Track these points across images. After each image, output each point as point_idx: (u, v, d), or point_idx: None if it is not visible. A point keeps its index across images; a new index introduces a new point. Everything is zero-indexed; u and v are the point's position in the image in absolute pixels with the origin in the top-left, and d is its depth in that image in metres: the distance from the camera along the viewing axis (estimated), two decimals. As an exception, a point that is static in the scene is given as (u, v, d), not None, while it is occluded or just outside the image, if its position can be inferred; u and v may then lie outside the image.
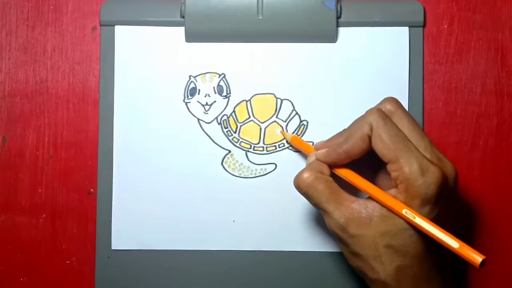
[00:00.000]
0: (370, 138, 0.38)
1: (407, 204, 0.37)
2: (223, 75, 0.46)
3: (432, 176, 0.36)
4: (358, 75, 0.46)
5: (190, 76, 0.46)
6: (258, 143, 0.46)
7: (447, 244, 0.36)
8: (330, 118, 0.46)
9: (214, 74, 0.46)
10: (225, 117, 0.46)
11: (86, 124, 0.47)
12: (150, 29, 0.46)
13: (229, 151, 0.46)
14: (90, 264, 0.46)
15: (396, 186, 0.38)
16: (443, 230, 0.36)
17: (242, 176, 0.46)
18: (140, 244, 0.46)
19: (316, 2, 0.45)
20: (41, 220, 0.47)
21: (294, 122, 0.46)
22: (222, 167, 0.46)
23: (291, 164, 0.46)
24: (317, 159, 0.41)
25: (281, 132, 0.46)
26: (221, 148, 0.46)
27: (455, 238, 0.36)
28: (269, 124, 0.46)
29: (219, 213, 0.46)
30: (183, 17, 0.46)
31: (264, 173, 0.46)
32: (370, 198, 0.39)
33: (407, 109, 0.45)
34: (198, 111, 0.46)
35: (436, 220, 0.37)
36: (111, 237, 0.46)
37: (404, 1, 0.47)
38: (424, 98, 0.46)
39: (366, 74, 0.46)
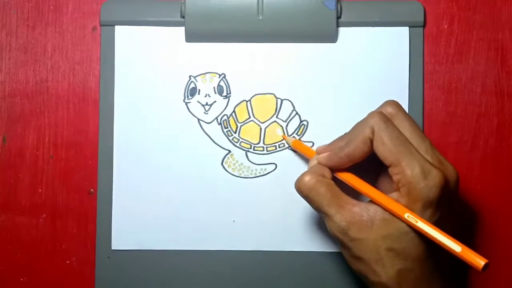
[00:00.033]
0: (371, 141, 0.38)
1: (409, 208, 0.37)
2: (223, 75, 0.46)
3: (434, 179, 0.36)
4: (358, 75, 0.46)
5: (190, 76, 0.46)
6: (258, 143, 0.46)
7: (450, 248, 0.35)
8: (330, 118, 0.46)
9: (214, 74, 0.46)
10: (225, 117, 0.46)
11: (86, 124, 0.47)
12: (150, 29, 0.46)
13: (229, 151, 0.46)
14: (90, 264, 0.46)
15: (398, 190, 0.38)
16: (446, 234, 0.36)
17: (242, 176, 0.46)
18: (140, 244, 0.46)
19: (316, 2, 0.45)
20: (41, 220, 0.47)
21: (294, 122, 0.46)
22: (222, 167, 0.46)
23: (291, 164, 0.46)
24: (319, 163, 0.41)
25: (282, 136, 0.46)
26: (221, 148, 0.46)
27: (458, 242, 0.36)
28: (269, 124, 0.46)
29: (219, 213, 0.46)
30: (183, 17, 0.46)
31: (264, 173, 0.46)
32: (372, 201, 0.38)
33: (407, 109, 0.46)
34: (198, 111, 0.46)
35: (438, 222, 0.37)
36: (111, 237, 0.46)
37: (404, 1, 0.47)
38: (424, 98, 0.46)
39: (366, 74, 0.46)
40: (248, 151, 0.46)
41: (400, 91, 0.46)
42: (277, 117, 0.46)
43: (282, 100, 0.46)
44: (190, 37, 0.46)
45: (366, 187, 0.39)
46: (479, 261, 0.35)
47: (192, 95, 0.46)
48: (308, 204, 0.40)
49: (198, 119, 0.46)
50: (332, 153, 0.40)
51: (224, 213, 0.46)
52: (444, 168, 0.38)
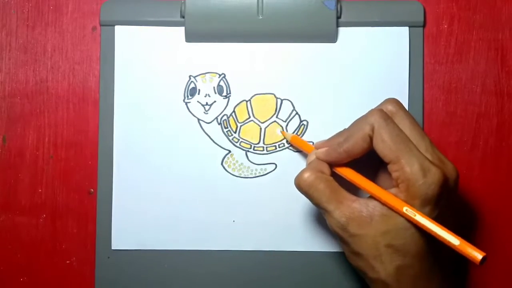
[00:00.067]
0: (371, 138, 0.38)
1: (408, 204, 0.37)
2: (223, 75, 0.46)
3: (433, 176, 0.36)
4: (358, 75, 0.46)
5: (190, 76, 0.46)
6: (258, 143, 0.46)
7: (448, 241, 0.36)
8: (330, 118, 0.46)
9: (214, 74, 0.46)
10: (225, 117, 0.46)
11: (86, 124, 0.47)
12: (150, 29, 0.46)
13: (229, 151, 0.46)
14: (90, 264, 0.46)
15: (397, 186, 0.38)
16: (444, 228, 0.36)
17: (242, 176, 0.46)
18: (140, 244, 0.46)
19: (316, 2, 0.45)
20: (41, 220, 0.47)
21: (294, 122, 0.46)
22: (222, 167, 0.46)
23: (291, 164, 0.46)
24: (318, 158, 0.41)
25: (281, 131, 0.46)
26: (221, 148, 0.46)
27: (456, 235, 0.36)
28: (269, 124, 0.46)
29: (219, 213, 0.46)
30: (183, 17, 0.46)
31: (264, 173, 0.46)
32: (371, 197, 0.39)
33: (407, 109, 0.45)
34: (198, 111, 0.46)
35: (437, 220, 0.37)
36: (111, 237, 0.46)
37: (404, 1, 0.47)
38: (424, 98, 0.46)
39: (366, 74, 0.46)
40: (248, 151, 0.46)
41: (400, 91, 0.46)
42: (277, 117, 0.46)
43: (282, 100, 0.46)
44: (190, 37, 0.46)
45: (364, 182, 0.39)
46: (477, 255, 0.35)
47: (192, 95, 0.46)
48: (308, 201, 0.40)
49: (198, 119, 0.46)
50: (331, 148, 0.40)
51: (224, 213, 0.46)
52: (443, 166, 0.38)
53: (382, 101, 0.41)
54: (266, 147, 0.46)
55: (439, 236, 0.36)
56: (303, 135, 0.46)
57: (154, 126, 0.46)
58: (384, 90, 0.46)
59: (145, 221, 0.46)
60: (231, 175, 0.46)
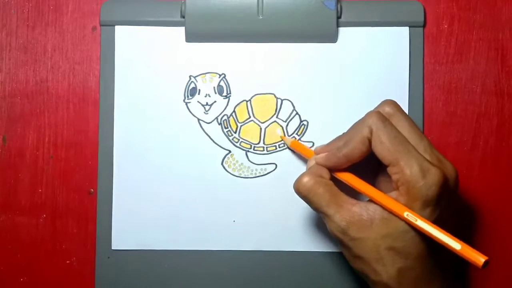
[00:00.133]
0: (370, 141, 0.38)
1: (408, 206, 0.37)
2: (223, 75, 0.46)
3: (433, 177, 0.36)
4: (358, 75, 0.46)
5: (190, 76, 0.46)
6: (258, 143, 0.46)
7: (450, 246, 0.35)
8: (330, 118, 0.46)
9: (214, 74, 0.46)
10: (225, 117, 0.46)
11: (86, 124, 0.47)
12: (150, 29, 0.46)
13: (229, 151, 0.46)
14: (90, 264, 0.46)
15: (397, 189, 0.38)
16: (445, 232, 0.36)
17: (242, 176, 0.46)
18: (140, 244, 0.46)
19: (316, 2, 0.45)
20: (41, 220, 0.47)
21: (294, 122, 0.46)
22: (222, 167, 0.46)
23: (291, 164, 0.46)
24: (317, 164, 0.41)
25: (281, 136, 0.46)
26: (221, 148, 0.46)
27: (457, 239, 0.36)
28: (269, 124, 0.46)
29: (219, 213, 0.46)
30: (183, 17, 0.46)
31: (264, 173, 0.46)
32: (371, 201, 0.38)
33: (407, 109, 0.46)
34: (198, 111, 0.46)
35: (437, 221, 0.37)
36: (111, 237, 0.46)
37: (404, 1, 0.47)
38: (424, 98, 0.46)
39: (366, 74, 0.46)
40: (248, 151, 0.46)
41: (400, 91, 0.46)
42: (277, 117, 0.46)
43: (282, 100, 0.46)
44: (190, 37, 0.46)
45: (365, 187, 0.39)
46: (479, 258, 0.35)
47: (192, 95, 0.46)
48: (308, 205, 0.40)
49: (198, 119, 0.46)
50: (330, 153, 0.40)
51: (224, 213, 0.46)
52: (443, 167, 0.38)
53: (381, 101, 0.41)
54: (266, 147, 0.46)
55: (440, 240, 0.36)
56: (303, 135, 0.46)
57: (154, 126, 0.46)
58: (384, 90, 0.46)
59: (145, 221, 0.46)
60: (231, 175, 0.46)
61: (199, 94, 0.46)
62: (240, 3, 0.45)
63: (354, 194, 0.40)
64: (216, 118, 0.46)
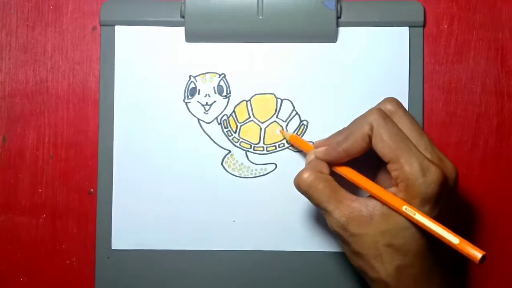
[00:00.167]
0: (370, 137, 0.38)
1: (407, 203, 0.37)
2: (223, 75, 0.46)
3: (433, 176, 0.36)
4: (358, 75, 0.46)
5: (190, 76, 0.46)
6: (258, 143, 0.46)
7: (447, 240, 0.36)
8: (330, 118, 0.46)
9: (214, 74, 0.46)
10: (225, 117, 0.46)
11: (86, 124, 0.47)
12: (150, 29, 0.46)
13: (229, 151, 0.46)
14: (90, 264, 0.46)
15: (396, 185, 0.38)
16: (443, 227, 0.36)
17: (242, 176, 0.46)
18: (140, 244, 0.46)
19: (316, 2, 0.45)
20: (41, 220, 0.47)
21: (294, 122, 0.46)
22: (222, 167, 0.46)
23: (291, 164, 0.46)
24: (316, 157, 0.41)
25: (280, 131, 0.46)
26: (221, 148, 0.46)
27: (455, 234, 0.36)
28: (269, 124, 0.46)
29: (219, 213, 0.46)
30: (183, 17, 0.46)
31: (264, 173, 0.46)
32: (371, 196, 0.39)
33: (407, 109, 0.45)
34: (198, 111, 0.46)
35: (436, 219, 0.37)
36: (111, 237, 0.46)
37: (404, 1, 0.47)
38: (424, 98, 0.46)
39: (366, 74, 0.46)
40: (248, 151, 0.46)
41: (400, 91, 0.46)
42: (277, 117, 0.46)
43: (282, 100, 0.46)
44: (190, 37, 0.46)
45: (364, 181, 0.39)
46: (476, 253, 0.35)
47: (192, 95, 0.46)
48: (308, 201, 0.40)
49: (198, 119, 0.46)
50: (330, 147, 0.40)
51: (224, 213, 0.46)
52: (443, 165, 0.38)
53: (383, 99, 0.41)
54: (266, 147, 0.46)
55: (438, 235, 0.36)
56: (303, 135, 0.46)
57: (154, 126, 0.46)
58: (384, 90, 0.46)
59: (145, 221, 0.46)
60: (231, 175, 0.46)
61: (199, 94, 0.46)
62: (240, 3, 0.45)
63: (353, 189, 0.40)
64: (216, 118, 0.46)
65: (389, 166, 0.38)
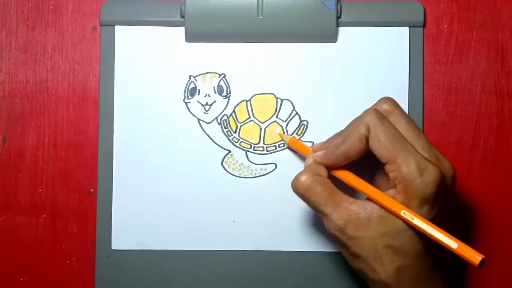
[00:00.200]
0: (367, 139, 0.38)
1: (406, 204, 0.37)
2: (223, 75, 0.46)
3: (431, 175, 0.36)
4: (358, 75, 0.46)
5: (190, 76, 0.46)
6: (258, 143, 0.46)
7: (446, 244, 0.36)
8: (330, 118, 0.46)
9: (214, 74, 0.46)
10: (225, 117, 0.46)
11: (86, 124, 0.47)
12: (150, 29, 0.46)
13: (229, 151, 0.46)
14: (90, 264, 0.46)
15: (394, 187, 0.38)
16: (442, 231, 0.36)
17: (242, 176, 0.46)
18: (140, 244, 0.46)
19: (316, 2, 0.45)
20: (41, 220, 0.47)
21: (294, 122, 0.46)
22: (222, 167, 0.46)
23: (291, 164, 0.46)
24: (315, 161, 0.41)
25: (279, 134, 0.46)
26: (221, 148, 0.46)
27: (454, 238, 0.36)
28: (269, 124, 0.46)
29: (219, 213, 0.46)
30: (183, 17, 0.46)
31: (264, 173, 0.46)
32: (369, 199, 0.38)
33: (407, 109, 0.46)
34: (198, 111, 0.46)
35: (435, 219, 0.37)
36: (111, 237, 0.46)
37: (404, 1, 0.47)
38: (424, 98, 0.46)
39: (366, 74, 0.46)
40: (248, 151, 0.46)
41: (400, 91, 0.46)
42: (277, 117, 0.46)
43: (282, 100, 0.46)
44: (190, 37, 0.46)
45: (362, 185, 0.39)
46: (476, 257, 0.35)
47: (192, 95, 0.46)
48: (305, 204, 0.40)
49: (198, 119, 0.46)
50: (328, 151, 0.40)
51: (224, 213, 0.46)
52: (440, 164, 0.38)
53: (379, 99, 0.41)
54: (266, 147, 0.46)
55: (437, 239, 0.36)
56: (303, 135, 0.46)
57: (154, 126, 0.46)
58: (384, 90, 0.46)
59: (145, 221, 0.46)
60: (231, 175, 0.46)
61: (199, 94, 0.46)
62: (240, 3, 0.45)
63: (352, 192, 0.40)
64: (216, 118, 0.46)
65: (387, 167, 0.38)
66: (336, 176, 0.40)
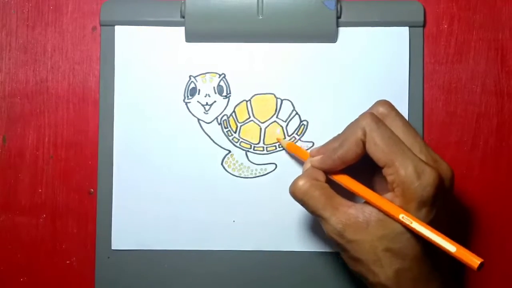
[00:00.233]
0: (364, 142, 0.38)
1: (404, 208, 0.37)
2: (223, 75, 0.46)
3: (428, 178, 0.36)
4: (358, 75, 0.46)
5: (190, 76, 0.46)
6: (258, 143, 0.46)
7: (445, 248, 0.35)
8: (330, 118, 0.46)
9: (214, 74, 0.46)
10: (225, 117, 0.46)
11: (86, 124, 0.47)
12: (150, 29, 0.46)
13: (229, 151, 0.46)
14: (90, 264, 0.46)
15: (392, 190, 0.37)
16: (441, 234, 0.36)
17: (242, 176, 0.46)
18: (140, 244, 0.46)
19: (316, 2, 0.45)
20: (41, 220, 0.47)
21: (294, 122, 0.46)
22: (222, 167, 0.46)
23: (291, 164, 0.46)
24: (313, 166, 0.41)
25: (277, 138, 0.46)
26: (221, 148, 0.46)
27: (453, 241, 0.36)
28: (269, 124, 0.46)
29: (219, 213, 0.46)
30: (183, 17, 0.46)
31: (264, 173, 0.46)
32: (367, 202, 0.38)
33: (407, 109, 0.46)
34: (198, 111, 0.46)
35: (433, 222, 0.37)
36: (111, 237, 0.46)
37: (404, 1, 0.47)
38: (424, 98, 0.46)
39: (366, 74, 0.46)
40: (248, 151, 0.46)
41: (400, 91, 0.46)
42: (277, 117, 0.46)
43: (282, 100, 0.46)
44: (190, 37, 0.46)
45: (361, 189, 0.39)
46: (474, 261, 0.35)
47: (192, 95, 0.46)
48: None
49: (198, 119, 0.46)
50: (326, 156, 0.40)
51: (224, 213, 0.46)
52: (438, 166, 0.38)
53: (375, 102, 0.41)
54: (266, 147, 0.46)
55: (436, 243, 0.36)
56: (303, 135, 0.46)
57: (154, 126, 0.46)
58: (384, 90, 0.46)
59: (145, 221, 0.46)
60: (231, 175, 0.46)
61: (199, 94, 0.46)
62: (240, 3, 0.45)
63: (350, 196, 0.40)
64: (216, 118, 0.46)
65: (385, 171, 0.38)
66: (334, 180, 0.40)
